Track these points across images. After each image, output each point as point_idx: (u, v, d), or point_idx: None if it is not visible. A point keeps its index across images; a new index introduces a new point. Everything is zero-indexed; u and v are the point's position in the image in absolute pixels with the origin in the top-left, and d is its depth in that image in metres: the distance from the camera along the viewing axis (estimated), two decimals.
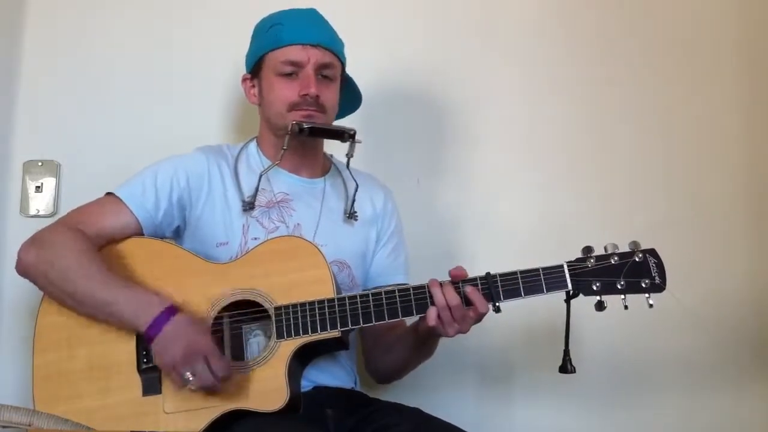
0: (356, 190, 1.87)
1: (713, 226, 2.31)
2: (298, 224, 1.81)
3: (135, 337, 1.65)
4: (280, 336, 1.63)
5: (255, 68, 1.87)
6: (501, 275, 1.62)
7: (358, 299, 1.64)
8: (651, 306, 1.60)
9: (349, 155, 1.81)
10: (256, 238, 1.76)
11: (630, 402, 2.20)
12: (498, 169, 2.30)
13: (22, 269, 1.70)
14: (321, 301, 1.63)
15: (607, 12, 2.40)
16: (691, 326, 2.18)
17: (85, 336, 1.66)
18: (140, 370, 1.64)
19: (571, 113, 2.34)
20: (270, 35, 1.83)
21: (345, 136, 1.78)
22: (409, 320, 1.74)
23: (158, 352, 1.60)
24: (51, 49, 2.21)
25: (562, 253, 1.65)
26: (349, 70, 1.91)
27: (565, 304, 1.64)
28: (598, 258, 1.62)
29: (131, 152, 2.10)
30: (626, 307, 1.59)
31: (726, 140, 2.36)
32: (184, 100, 2.22)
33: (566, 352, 1.65)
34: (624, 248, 1.63)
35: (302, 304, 1.64)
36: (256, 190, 1.79)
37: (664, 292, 1.60)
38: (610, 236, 1.65)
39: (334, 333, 1.63)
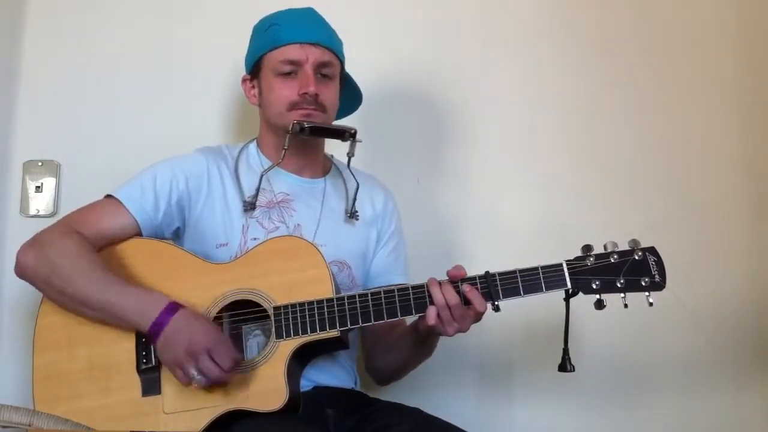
0: (357, 190, 1.87)
1: (713, 226, 2.31)
2: (298, 224, 1.81)
3: (135, 337, 1.65)
4: (279, 336, 1.63)
5: (254, 69, 1.87)
6: (500, 274, 1.62)
7: (357, 299, 1.64)
8: (651, 304, 1.59)
9: (350, 155, 1.81)
10: (255, 239, 1.76)
11: (629, 401, 2.20)
12: (498, 168, 2.30)
13: (21, 271, 1.70)
14: (320, 301, 1.63)
15: (606, 12, 2.40)
16: (691, 326, 2.18)
17: (85, 336, 1.67)
18: (140, 371, 1.64)
19: (570, 113, 2.34)
20: (268, 35, 1.83)
21: (346, 135, 1.78)
22: (409, 320, 1.74)
23: (161, 350, 1.60)
24: (51, 49, 2.22)
25: (561, 253, 1.65)
26: (348, 70, 1.91)
27: (564, 303, 1.64)
28: (598, 256, 1.62)
29: (131, 152, 2.11)
30: (626, 306, 1.59)
31: (726, 140, 2.36)
32: (184, 100, 2.22)
33: (566, 350, 1.65)
34: (623, 247, 1.63)
35: (301, 304, 1.63)
36: (257, 190, 1.79)
37: (664, 290, 1.60)
38: (609, 236, 1.65)
39: (333, 333, 1.63)
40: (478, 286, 1.62)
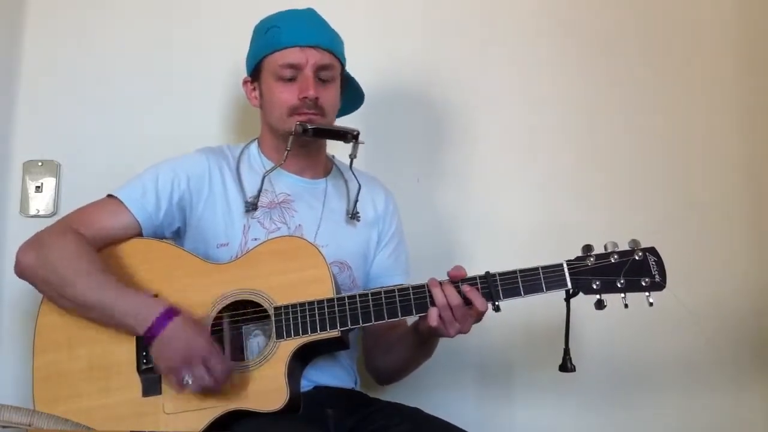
0: (359, 191, 1.87)
1: (713, 226, 2.31)
2: (299, 225, 1.81)
3: (135, 337, 1.65)
4: (279, 336, 1.63)
5: (255, 71, 1.87)
6: (500, 274, 1.62)
7: (358, 299, 1.64)
8: (651, 305, 1.59)
9: (353, 156, 1.80)
10: (256, 239, 1.76)
11: (630, 401, 2.20)
12: (498, 168, 2.30)
13: (21, 272, 1.70)
14: (320, 301, 1.63)
15: (606, 12, 2.40)
16: (691, 325, 2.18)
17: (85, 336, 1.66)
18: (140, 371, 1.64)
19: (570, 113, 2.34)
20: (267, 38, 1.83)
21: (348, 136, 1.78)
22: (410, 320, 1.74)
23: (156, 355, 1.60)
24: (51, 49, 2.22)
25: (562, 253, 1.65)
26: (349, 70, 1.91)
27: (564, 303, 1.64)
28: (598, 257, 1.62)
29: (131, 152, 2.11)
30: (626, 306, 1.59)
31: (726, 140, 2.36)
32: (184, 101, 2.22)
33: (566, 350, 1.65)
34: (624, 247, 1.63)
35: (302, 304, 1.64)
36: (260, 191, 1.79)
37: (665, 290, 1.60)
38: (610, 236, 1.65)
39: (334, 333, 1.63)
40: (479, 286, 1.62)
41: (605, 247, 1.63)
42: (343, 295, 1.65)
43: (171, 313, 1.61)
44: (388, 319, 1.64)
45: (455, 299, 1.60)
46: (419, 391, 2.04)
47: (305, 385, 1.70)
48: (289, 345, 1.62)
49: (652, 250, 1.62)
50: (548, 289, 1.62)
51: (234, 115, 2.22)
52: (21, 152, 2.18)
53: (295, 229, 1.80)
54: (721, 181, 2.33)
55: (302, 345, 1.63)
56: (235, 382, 1.61)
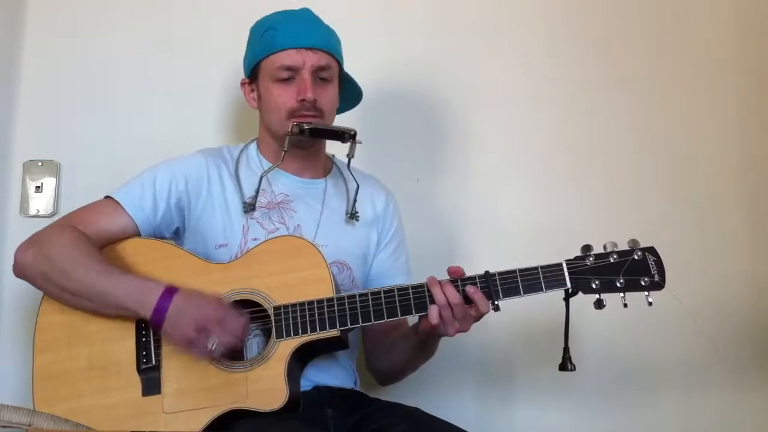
0: (357, 191, 1.87)
1: (713, 226, 2.31)
2: (298, 225, 1.81)
3: (135, 336, 1.65)
4: (279, 336, 1.63)
5: (252, 74, 1.87)
6: (500, 274, 1.62)
7: (357, 299, 1.64)
8: (650, 304, 1.59)
9: (350, 156, 1.80)
10: (256, 239, 1.76)
11: (629, 400, 2.20)
12: (498, 168, 2.30)
13: (20, 271, 1.70)
14: (320, 301, 1.63)
15: (606, 13, 2.40)
16: (690, 325, 2.18)
17: (85, 336, 1.67)
18: (140, 370, 1.64)
19: (570, 113, 2.34)
20: (264, 40, 1.82)
21: (345, 136, 1.77)
22: (410, 321, 1.74)
23: (169, 333, 1.60)
24: (51, 49, 2.22)
25: (561, 253, 1.65)
26: (348, 70, 1.90)
27: (564, 303, 1.64)
28: (597, 256, 1.62)
29: (131, 152, 2.11)
30: (626, 305, 1.59)
31: (726, 140, 2.36)
32: (184, 101, 2.23)
33: (566, 350, 1.65)
34: (623, 247, 1.63)
35: (301, 304, 1.64)
36: (257, 191, 1.79)
37: (664, 290, 1.60)
38: (609, 236, 1.65)
39: (333, 332, 1.63)
40: (478, 285, 1.62)
41: (604, 247, 1.63)
42: (342, 294, 1.65)
43: (171, 290, 1.61)
44: (387, 318, 1.64)
45: (455, 298, 1.60)
46: (419, 391, 2.04)
47: (305, 385, 1.70)
48: (289, 345, 1.63)
49: (652, 250, 1.62)
50: (548, 288, 1.62)
51: (233, 116, 2.22)
52: (21, 152, 2.18)
53: (295, 229, 1.80)
54: (721, 180, 2.33)
55: (302, 345, 1.63)
56: (235, 382, 1.61)
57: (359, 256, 1.87)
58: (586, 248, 1.63)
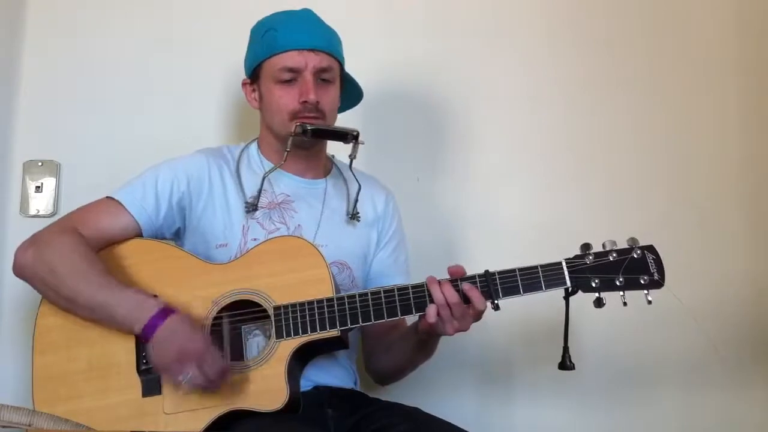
0: (359, 191, 1.87)
1: (713, 226, 2.31)
2: (298, 225, 1.81)
3: (135, 337, 1.65)
4: (279, 336, 1.63)
5: (253, 74, 1.86)
6: (500, 273, 1.62)
7: (357, 298, 1.64)
8: (650, 303, 1.59)
9: (352, 156, 1.80)
10: (256, 239, 1.75)
11: (629, 399, 2.20)
12: (498, 168, 2.30)
13: (19, 271, 1.70)
14: (320, 301, 1.63)
15: (607, 13, 2.40)
16: (690, 324, 2.17)
17: (85, 337, 1.67)
18: (140, 371, 1.64)
19: (571, 113, 2.34)
20: (265, 41, 1.82)
21: (348, 137, 1.78)
22: (410, 320, 1.74)
23: (153, 353, 1.60)
24: (51, 49, 2.22)
25: (560, 252, 1.65)
26: (349, 70, 1.90)
27: (563, 301, 1.64)
28: (597, 255, 1.62)
29: (131, 152, 2.11)
30: (625, 304, 1.59)
31: (726, 140, 2.36)
32: (184, 101, 2.23)
33: (565, 348, 1.65)
34: (622, 245, 1.63)
35: (301, 304, 1.63)
36: (259, 191, 1.79)
37: (663, 289, 1.60)
38: (610, 236, 1.65)
39: (333, 332, 1.63)
40: (478, 284, 1.62)
41: (604, 246, 1.63)
42: (342, 294, 1.65)
43: (166, 312, 1.60)
44: (387, 318, 1.64)
45: (453, 297, 1.60)
46: (419, 391, 2.04)
47: (305, 385, 1.70)
48: (289, 345, 1.62)
49: (651, 248, 1.62)
50: (547, 287, 1.62)
51: (233, 116, 2.23)
52: (21, 152, 2.18)
53: (295, 230, 1.80)
54: (722, 180, 2.33)
55: (302, 345, 1.63)
56: (235, 382, 1.61)
57: (359, 256, 1.87)
58: (586, 247, 1.63)
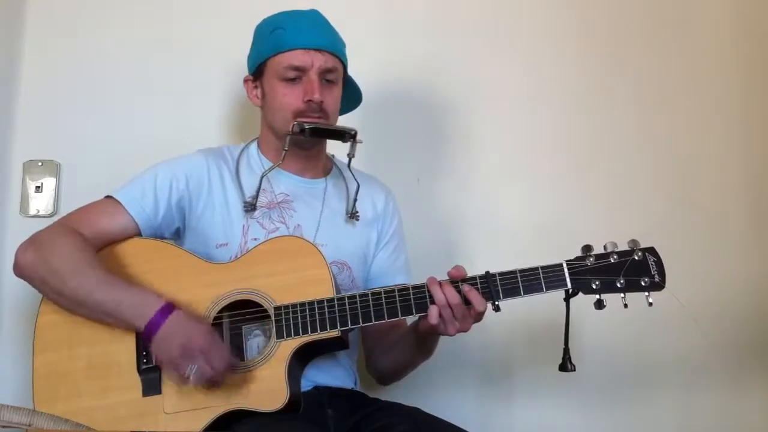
0: (357, 190, 1.87)
1: (713, 226, 2.30)
2: (298, 225, 1.81)
3: (135, 337, 1.65)
4: (279, 336, 1.63)
5: (257, 71, 1.86)
6: (500, 274, 1.62)
7: (358, 299, 1.64)
8: (651, 304, 1.59)
9: (351, 155, 1.80)
10: (256, 239, 1.76)
11: (630, 400, 2.20)
12: (498, 168, 2.30)
13: (20, 271, 1.70)
14: (320, 301, 1.63)
15: (608, 13, 2.40)
16: (691, 325, 2.17)
17: (85, 336, 1.66)
18: (140, 371, 1.64)
19: (570, 113, 2.34)
20: (272, 39, 1.82)
21: (346, 136, 1.78)
22: (410, 320, 1.74)
23: (156, 350, 1.60)
24: (51, 49, 2.22)
25: (561, 253, 1.65)
26: (349, 70, 1.90)
27: (564, 303, 1.64)
28: (598, 256, 1.62)
29: (131, 152, 2.11)
30: (626, 306, 1.59)
31: (726, 140, 2.36)
32: (184, 101, 2.22)
33: (566, 350, 1.65)
34: (623, 247, 1.63)
35: (302, 304, 1.64)
36: (258, 191, 1.79)
37: (664, 291, 1.60)
38: (610, 237, 1.65)
39: (334, 333, 1.63)
40: (479, 286, 1.62)
41: (605, 247, 1.63)
42: (343, 294, 1.65)
43: (170, 308, 1.61)
44: (388, 318, 1.64)
45: (454, 298, 1.60)
46: (419, 391, 2.04)
47: (305, 385, 1.70)
48: (290, 345, 1.62)
49: (652, 250, 1.62)
50: (548, 289, 1.62)
51: (234, 116, 2.22)
52: (21, 152, 2.18)
53: (294, 229, 1.80)
54: (721, 180, 2.33)
55: (302, 345, 1.63)
56: (235, 382, 1.61)
57: (359, 255, 1.87)
58: (587, 248, 1.63)
